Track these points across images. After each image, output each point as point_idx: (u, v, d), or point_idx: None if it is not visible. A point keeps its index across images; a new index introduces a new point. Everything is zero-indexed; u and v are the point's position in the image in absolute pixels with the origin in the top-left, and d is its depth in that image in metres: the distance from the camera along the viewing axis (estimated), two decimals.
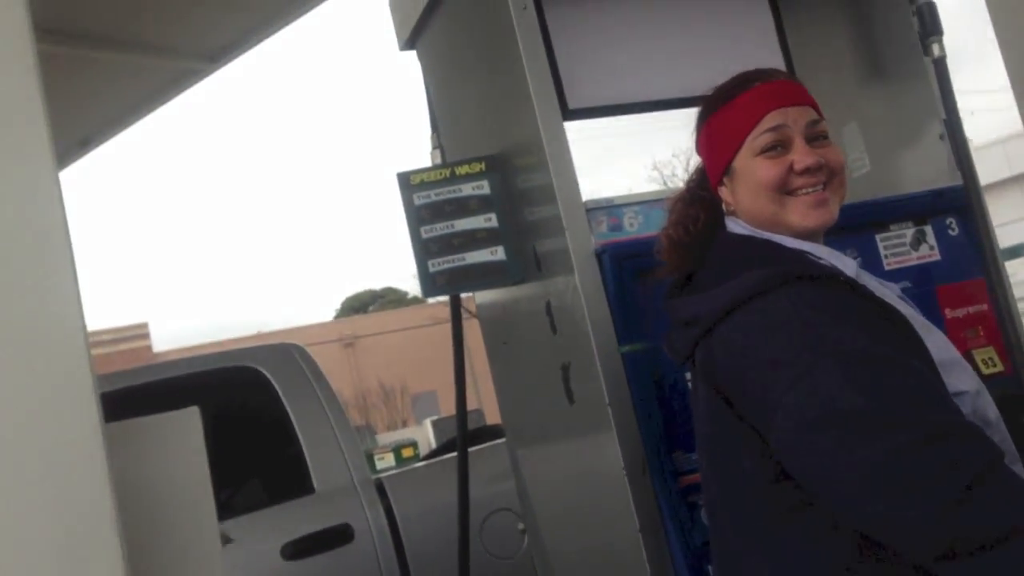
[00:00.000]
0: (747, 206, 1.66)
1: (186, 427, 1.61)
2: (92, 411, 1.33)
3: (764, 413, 1.45)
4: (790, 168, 1.61)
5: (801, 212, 1.61)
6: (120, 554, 1.29)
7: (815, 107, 1.68)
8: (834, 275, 1.52)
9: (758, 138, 1.63)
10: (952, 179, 2.43)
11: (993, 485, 1.26)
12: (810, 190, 1.61)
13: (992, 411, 1.58)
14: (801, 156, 1.61)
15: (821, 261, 1.61)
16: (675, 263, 1.73)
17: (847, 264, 1.63)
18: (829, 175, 1.62)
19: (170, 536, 1.55)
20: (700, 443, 1.69)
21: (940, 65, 2.38)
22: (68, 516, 1.29)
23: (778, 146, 1.62)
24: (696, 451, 1.79)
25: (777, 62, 2.58)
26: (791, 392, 1.39)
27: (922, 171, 2.53)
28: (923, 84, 2.49)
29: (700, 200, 1.74)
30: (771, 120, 1.63)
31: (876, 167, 2.67)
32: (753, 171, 1.63)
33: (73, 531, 1.29)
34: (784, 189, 1.61)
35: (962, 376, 1.54)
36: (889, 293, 1.65)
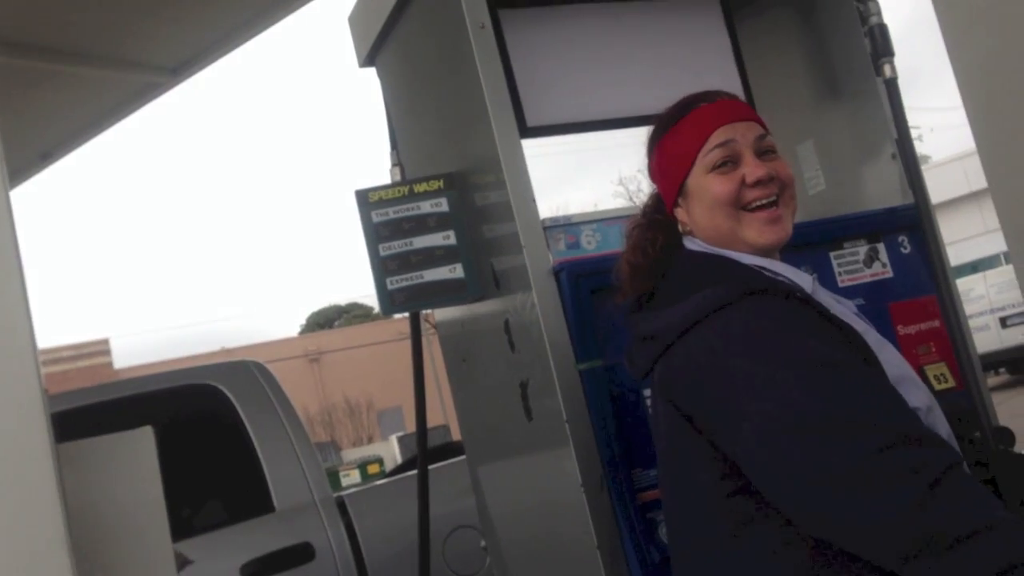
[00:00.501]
0: (704, 224, 1.69)
1: (140, 447, 1.60)
2: (42, 431, 1.32)
3: (726, 425, 1.46)
4: (742, 181, 1.64)
5: (757, 229, 1.64)
6: (72, 573, 1.28)
7: (761, 123, 1.71)
8: (790, 289, 1.54)
9: (708, 155, 1.66)
10: (905, 198, 2.46)
11: (954, 487, 1.29)
12: (763, 202, 1.64)
13: (943, 428, 1.60)
14: (752, 168, 1.64)
15: (778, 277, 1.63)
16: (636, 287, 1.74)
17: (803, 279, 1.66)
18: (781, 188, 1.66)
19: (124, 556, 1.53)
20: (659, 459, 1.70)
21: (892, 86, 2.42)
22: (18, 536, 1.28)
23: (728, 161, 1.65)
24: (656, 467, 1.80)
25: (733, 81, 2.61)
26: (755, 402, 1.41)
27: (876, 190, 2.57)
28: (876, 104, 2.52)
29: (657, 224, 1.77)
30: (719, 136, 1.66)
31: (831, 185, 2.71)
32: (706, 188, 1.66)
33: (23, 551, 1.28)
34: (739, 204, 1.64)
35: (914, 392, 1.56)
36: (844, 310, 1.67)
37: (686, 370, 1.54)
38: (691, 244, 1.72)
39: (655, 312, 1.65)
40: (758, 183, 1.63)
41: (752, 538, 1.48)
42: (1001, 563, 1.23)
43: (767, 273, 1.63)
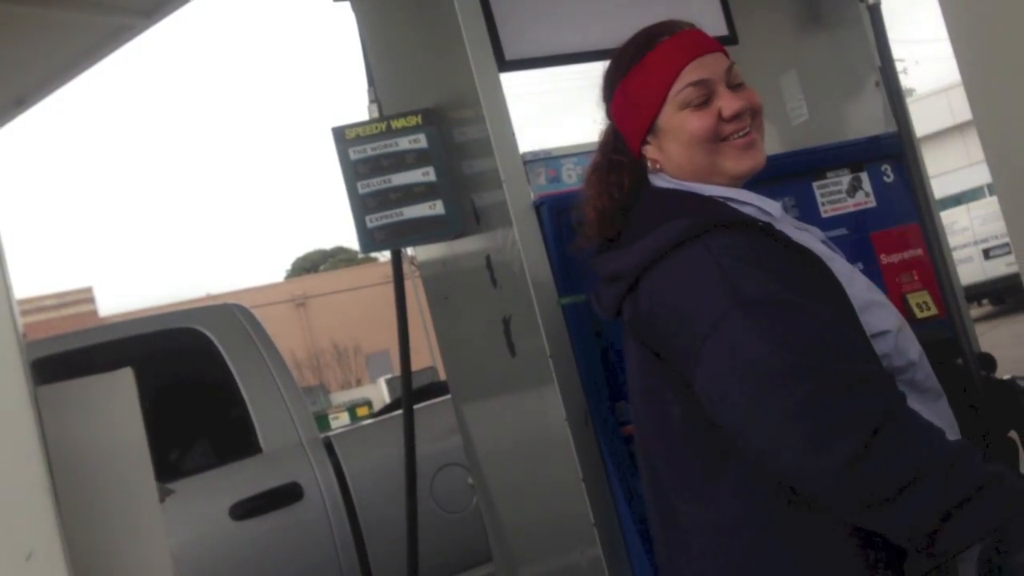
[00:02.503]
0: (679, 160, 1.66)
1: (120, 388, 1.59)
2: (19, 371, 1.31)
3: (686, 364, 1.47)
4: (719, 116, 1.62)
5: (735, 157, 1.63)
6: (55, 517, 1.27)
7: (725, 52, 1.69)
8: (750, 221, 1.54)
9: (681, 92, 1.63)
10: (888, 127, 2.44)
11: (895, 434, 1.29)
12: (741, 133, 1.63)
13: (914, 349, 1.61)
14: (728, 102, 1.62)
15: (743, 208, 1.63)
16: (603, 231, 1.72)
17: (771, 205, 1.66)
18: (752, 116, 1.65)
19: (108, 498, 1.53)
20: (633, 397, 1.70)
21: (875, 12, 2.38)
22: None
23: (703, 98, 1.63)
24: (630, 405, 1.80)
25: (715, 10, 2.57)
26: (706, 343, 1.42)
27: (859, 119, 2.54)
28: (860, 32, 2.49)
29: (619, 165, 1.73)
30: (691, 74, 1.63)
31: (814, 116, 2.68)
32: (682, 126, 1.64)
33: (5, 495, 1.27)
34: (717, 138, 1.63)
35: (883, 315, 1.59)
36: (810, 238, 1.67)
37: (650, 307, 1.54)
38: (659, 181, 1.70)
39: (619, 251, 1.63)
40: (735, 116, 1.62)
41: (733, 470, 1.49)
42: (944, 506, 1.24)
43: (732, 204, 1.63)
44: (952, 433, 1.61)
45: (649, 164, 1.71)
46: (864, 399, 1.32)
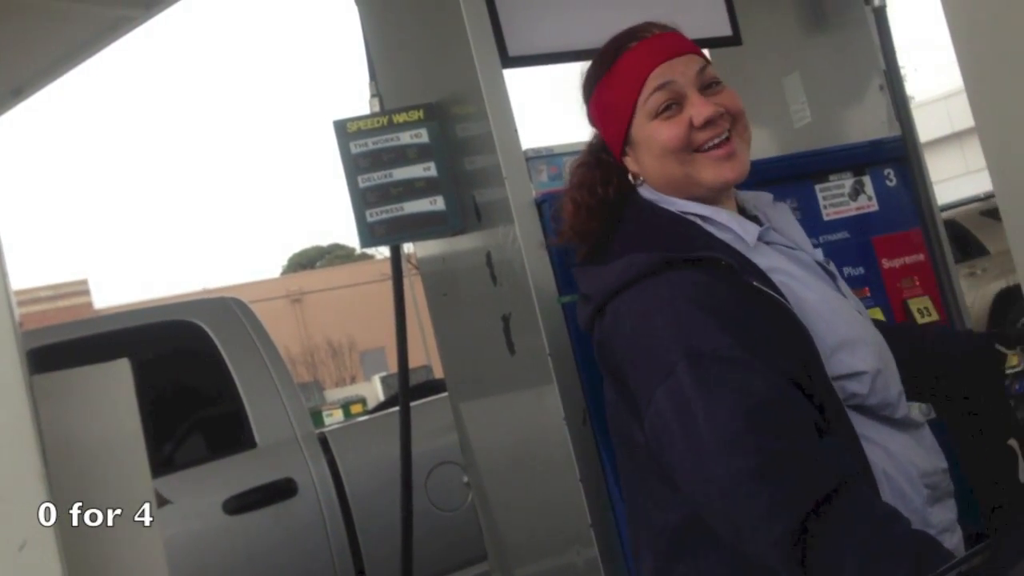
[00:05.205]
0: (655, 172, 1.60)
1: (116, 378, 1.57)
2: (15, 360, 1.30)
3: (641, 402, 1.44)
4: (690, 124, 1.54)
5: (713, 169, 1.55)
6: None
7: (699, 53, 1.61)
8: (715, 258, 1.47)
9: (648, 100, 1.56)
10: (892, 131, 2.44)
11: (825, 522, 1.24)
12: (716, 140, 1.54)
13: (895, 388, 1.54)
14: (699, 109, 1.53)
15: (721, 233, 1.56)
16: (578, 226, 1.66)
17: (748, 231, 1.57)
18: (732, 121, 1.56)
19: (103, 488, 1.52)
20: (607, 409, 1.66)
21: (880, 15, 2.38)
22: None
23: (672, 104, 1.55)
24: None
25: (719, 10, 2.56)
26: (656, 392, 1.39)
27: (863, 122, 2.54)
28: (864, 34, 2.49)
29: (605, 164, 1.67)
30: (657, 78, 1.55)
31: (817, 118, 2.68)
32: (652, 136, 1.56)
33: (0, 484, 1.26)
34: (689, 148, 1.55)
35: (862, 355, 1.50)
36: (789, 264, 1.57)
37: (611, 337, 1.51)
38: (644, 192, 1.64)
39: (595, 270, 1.59)
40: (707, 123, 1.53)
41: (681, 506, 1.46)
42: None
43: (710, 226, 1.57)
44: (935, 458, 1.56)
45: (631, 177, 1.65)
46: (799, 481, 1.27)
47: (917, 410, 2.24)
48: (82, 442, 1.50)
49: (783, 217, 1.69)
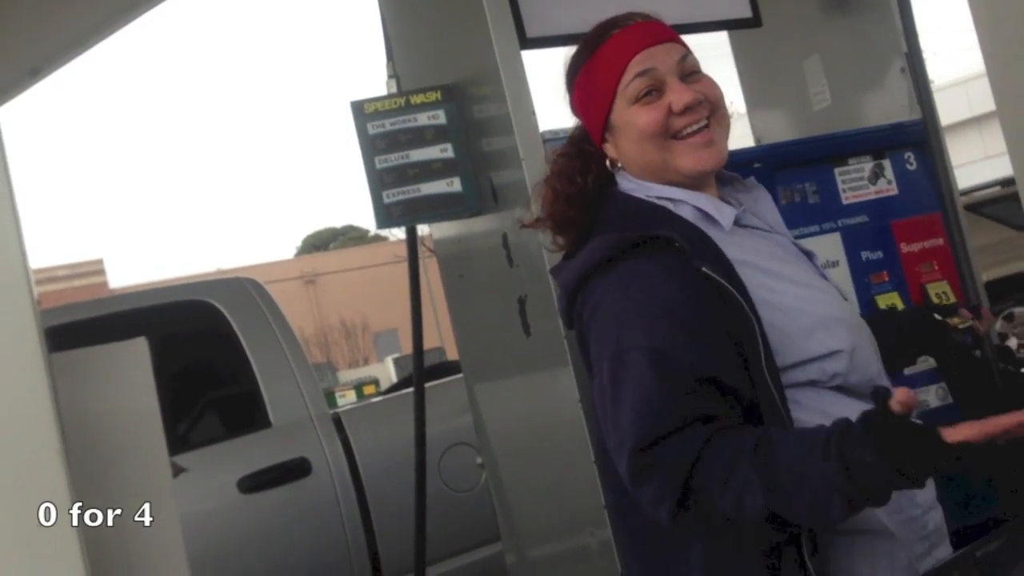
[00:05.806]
0: (634, 158, 1.61)
1: (134, 357, 1.58)
2: (34, 339, 1.31)
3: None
4: (669, 110, 1.55)
5: (691, 156, 1.56)
6: (67, 483, 1.27)
7: (680, 42, 1.62)
8: (669, 238, 1.47)
9: (628, 86, 1.57)
10: (912, 114, 2.42)
11: (702, 476, 1.33)
12: (694, 127, 1.55)
13: (875, 365, 1.55)
14: (678, 95, 1.54)
15: (690, 218, 1.56)
16: (557, 213, 1.66)
17: (724, 214, 1.58)
18: (711, 109, 1.57)
19: (120, 465, 1.53)
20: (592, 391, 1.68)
21: None
22: (13, 446, 1.27)
23: (652, 90, 1.56)
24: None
25: None
26: (592, 383, 1.52)
27: (883, 105, 2.52)
28: (886, 17, 2.46)
29: (586, 154, 1.68)
30: (637, 65, 1.56)
31: (837, 101, 2.65)
32: (632, 121, 1.58)
33: (19, 461, 1.27)
34: (668, 134, 1.56)
35: (838, 334, 1.50)
36: (772, 249, 1.59)
37: (580, 324, 1.56)
38: (622, 181, 1.65)
39: (566, 263, 1.62)
40: (686, 109, 1.54)
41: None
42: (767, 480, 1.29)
43: (684, 208, 1.57)
44: None
45: (609, 164, 1.66)
46: (665, 478, 1.37)
47: (934, 394, 2.24)
48: (99, 419, 1.51)
49: (761, 200, 1.70)
